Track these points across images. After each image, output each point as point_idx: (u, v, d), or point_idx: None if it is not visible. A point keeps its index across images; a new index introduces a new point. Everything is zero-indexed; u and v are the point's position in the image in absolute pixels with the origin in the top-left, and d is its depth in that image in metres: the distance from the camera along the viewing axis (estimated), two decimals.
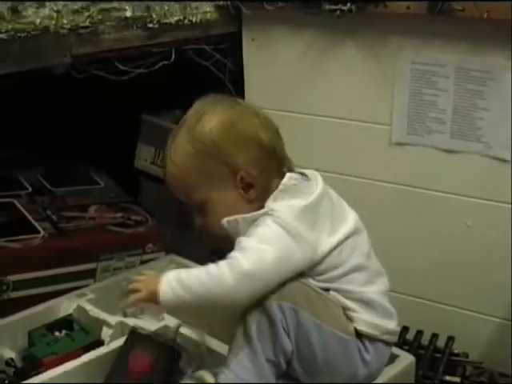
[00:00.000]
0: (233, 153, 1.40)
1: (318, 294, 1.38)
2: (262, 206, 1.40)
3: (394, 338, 1.48)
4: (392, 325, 1.45)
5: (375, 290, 1.43)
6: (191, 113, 1.46)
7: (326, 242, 1.39)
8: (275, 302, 1.33)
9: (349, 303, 1.40)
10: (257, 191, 1.42)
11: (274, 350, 1.34)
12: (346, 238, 1.42)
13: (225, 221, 1.41)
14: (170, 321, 1.62)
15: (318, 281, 1.39)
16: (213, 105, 1.45)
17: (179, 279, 1.36)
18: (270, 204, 1.39)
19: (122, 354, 1.51)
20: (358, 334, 1.40)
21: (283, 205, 1.38)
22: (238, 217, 1.40)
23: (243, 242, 1.36)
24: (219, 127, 1.41)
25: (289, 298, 1.34)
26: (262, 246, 1.34)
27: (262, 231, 1.36)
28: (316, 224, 1.38)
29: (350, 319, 1.40)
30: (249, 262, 1.32)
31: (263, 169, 1.42)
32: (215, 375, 1.39)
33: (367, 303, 1.41)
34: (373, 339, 1.41)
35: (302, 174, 1.48)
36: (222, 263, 1.34)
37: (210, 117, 1.42)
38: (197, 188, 1.43)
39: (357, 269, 1.42)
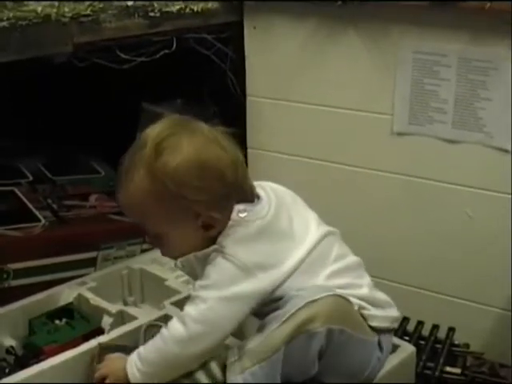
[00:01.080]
0: (195, 196, 1.31)
1: (351, 303, 1.36)
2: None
3: (397, 324, 1.48)
4: (395, 312, 1.45)
5: (366, 283, 1.43)
6: (149, 143, 1.32)
7: (292, 257, 1.35)
8: (324, 326, 1.29)
9: (362, 303, 1.38)
10: (218, 229, 1.35)
11: (295, 374, 1.32)
12: (312, 248, 1.38)
13: (178, 263, 1.39)
14: (171, 311, 1.61)
15: None
16: (173, 134, 1.32)
17: (140, 357, 1.36)
18: (220, 239, 1.34)
19: None
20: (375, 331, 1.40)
21: (233, 239, 1.33)
22: (190, 256, 1.36)
23: (193, 290, 1.36)
24: (184, 167, 1.30)
25: (337, 318, 1.31)
26: (210, 292, 1.32)
27: (212, 271, 1.33)
28: (273, 245, 1.35)
29: (363, 318, 1.39)
30: (197, 310, 1.31)
31: (226, 207, 1.34)
32: (224, 367, 1.36)
33: (371, 298, 1.41)
34: (383, 331, 1.41)
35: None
36: (173, 322, 1.34)
37: (172, 152, 1.30)
38: (152, 223, 1.37)
39: (337, 273, 1.39)
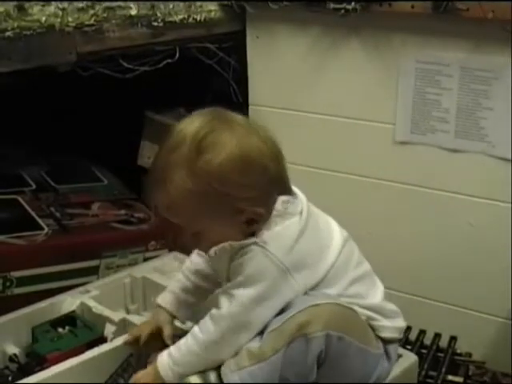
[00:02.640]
0: (240, 193, 1.27)
1: (355, 312, 1.34)
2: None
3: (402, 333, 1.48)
4: (402, 322, 1.44)
5: (379, 294, 1.41)
6: (187, 141, 1.27)
7: (326, 259, 1.34)
8: (322, 331, 1.27)
9: (372, 314, 1.37)
10: (260, 224, 1.32)
11: (293, 379, 1.30)
12: (340, 250, 1.37)
13: (212, 251, 1.34)
14: None
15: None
16: (212, 131, 1.28)
17: (174, 360, 1.34)
18: (262, 233, 1.31)
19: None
20: (383, 341, 1.39)
21: (276, 234, 1.30)
22: (226, 244, 1.32)
23: (225, 285, 1.34)
24: (227, 165, 1.26)
25: (336, 325, 1.29)
26: (244, 291, 1.30)
27: (249, 265, 1.30)
28: (310, 244, 1.33)
29: (372, 328, 1.37)
30: (230, 308, 1.30)
31: (269, 200, 1.31)
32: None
33: (381, 309, 1.39)
34: (391, 342, 1.40)
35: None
36: (205, 321, 1.33)
37: (213, 150, 1.26)
38: (192, 222, 1.32)
39: (357, 280, 1.38)
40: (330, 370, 1.31)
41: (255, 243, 1.30)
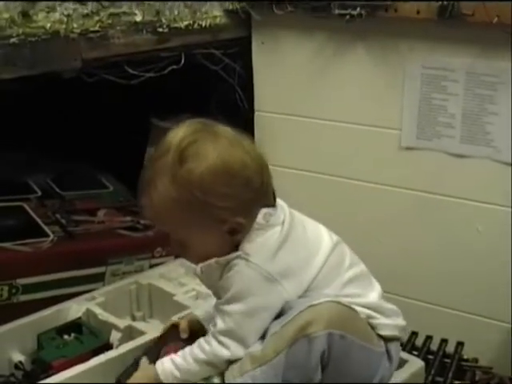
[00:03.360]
0: (222, 203, 1.29)
1: (355, 311, 1.34)
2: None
3: (405, 334, 1.47)
4: (402, 321, 1.44)
5: (376, 293, 1.42)
6: (171, 150, 1.29)
7: (313, 265, 1.35)
8: (324, 330, 1.28)
9: (371, 312, 1.37)
10: (243, 234, 1.33)
11: (298, 379, 1.30)
12: (329, 255, 1.37)
13: (198, 269, 1.37)
14: None
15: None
16: (196, 140, 1.30)
17: (177, 367, 1.36)
18: (244, 246, 1.32)
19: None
20: (384, 340, 1.39)
21: (257, 246, 1.32)
22: (212, 261, 1.34)
23: (217, 303, 1.36)
24: (209, 174, 1.28)
25: (337, 323, 1.29)
26: (234, 306, 1.32)
27: (236, 280, 1.32)
28: (294, 253, 1.34)
29: (371, 327, 1.37)
30: (224, 324, 1.33)
31: (252, 211, 1.32)
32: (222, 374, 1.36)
33: (379, 307, 1.39)
34: (392, 340, 1.40)
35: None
36: (208, 338, 1.35)
37: (196, 159, 1.28)
38: (177, 230, 1.35)
39: (351, 280, 1.38)
40: (333, 371, 1.31)
41: (238, 256, 1.32)
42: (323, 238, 1.40)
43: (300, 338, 1.28)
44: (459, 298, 1.97)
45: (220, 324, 1.33)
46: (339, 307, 1.31)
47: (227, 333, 1.33)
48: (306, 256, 1.35)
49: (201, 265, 1.36)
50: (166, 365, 1.37)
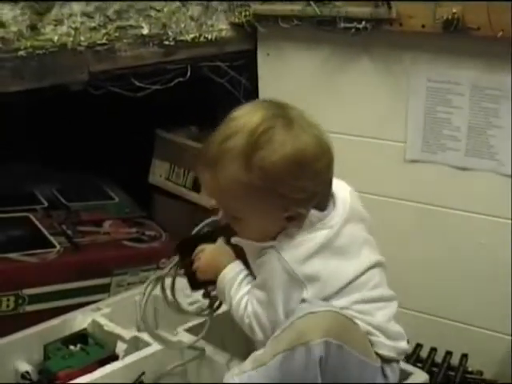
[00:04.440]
0: (290, 194, 1.29)
1: (356, 324, 1.33)
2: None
3: (403, 357, 1.45)
4: (404, 344, 1.42)
5: (389, 314, 1.40)
6: (246, 133, 1.27)
7: (340, 279, 1.34)
8: (321, 339, 1.27)
9: (371, 329, 1.36)
10: (300, 223, 1.32)
11: None
12: (359, 275, 1.36)
13: (234, 240, 1.39)
14: (186, 337, 1.61)
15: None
16: (271, 127, 1.28)
17: (231, 285, 1.40)
18: (282, 238, 1.32)
19: None
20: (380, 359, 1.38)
21: (295, 243, 1.31)
22: (249, 243, 1.37)
23: (254, 287, 1.37)
24: (282, 164, 1.27)
25: (335, 333, 1.28)
26: (257, 292, 1.35)
27: (264, 270, 1.33)
28: (327, 262, 1.32)
29: (370, 343, 1.36)
30: (250, 304, 1.36)
31: (312, 204, 1.32)
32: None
33: (384, 328, 1.38)
34: (390, 361, 1.39)
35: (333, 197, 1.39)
36: (245, 304, 1.37)
37: (270, 147, 1.27)
38: (236, 208, 1.34)
39: (368, 301, 1.37)
40: (330, 380, 1.30)
41: (273, 247, 1.32)
42: (363, 255, 1.38)
43: (297, 346, 1.27)
44: (463, 310, 1.97)
45: (249, 305, 1.36)
46: (338, 317, 1.31)
47: (249, 311, 1.36)
48: (337, 269, 1.34)
49: (234, 239, 1.39)
50: (230, 275, 1.41)
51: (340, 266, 1.34)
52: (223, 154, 1.29)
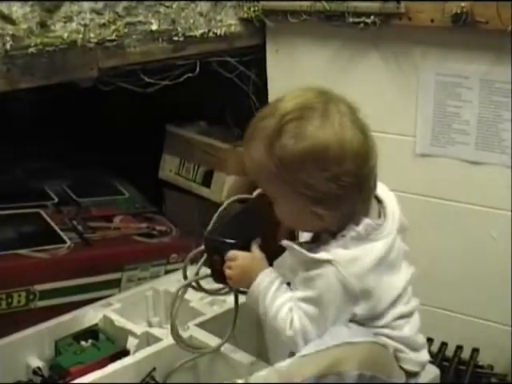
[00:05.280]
0: (302, 189, 1.24)
1: (387, 349, 1.32)
2: (341, 226, 1.28)
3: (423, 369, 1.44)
4: (426, 354, 1.42)
5: (416, 327, 1.39)
6: (276, 118, 1.25)
7: (389, 295, 1.32)
8: (357, 371, 1.25)
9: (399, 346, 1.34)
10: (330, 223, 1.28)
11: None
12: (403, 290, 1.34)
13: (286, 243, 1.33)
14: (197, 332, 1.62)
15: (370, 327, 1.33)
16: (301, 117, 1.24)
17: (265, 294, 1.34)
18: (337, 251, 1.27)
19: None
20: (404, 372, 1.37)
21: (352, 257, 1.26)
22: (297, 248, 1.30)
23: (302, 301, 1.30)
24: (299, 158, 1.23)
25: (370, 365, 1.27)
26: (310, 308, 1.29)
27: (320, 283, 1.27)
28: (380, 279, 1.29)
29: (396, 358, 1.34)
30: (296, 318, 1.30)
31: (338, 207, 1.26)
32: None
33: (411, 342, 1.37)
34: (412, 375, 1.38)
35: (380, 205, 1.35)
36: (285, 312, 1.31)
37: (293, 138, 1.23)
38: (266, 190, 1.32)
39: (402, 316, 1.35)
40: None
41: (329, 261, 1.26)
42: (403, 268, 1.36)
43: (331, 374, 1.25)
44: (474, 304, 1.97)
45: (296, 321, 1.30)
46: (374, 348, 1.29)
47: (301, 329, 1.29)
48: (387, 284, 1.31)
49: (286, 244, 1.32)
50: (264, 284, 1.34)
51: (390, 281, 1.31)
52: (255, 133, 1.28)
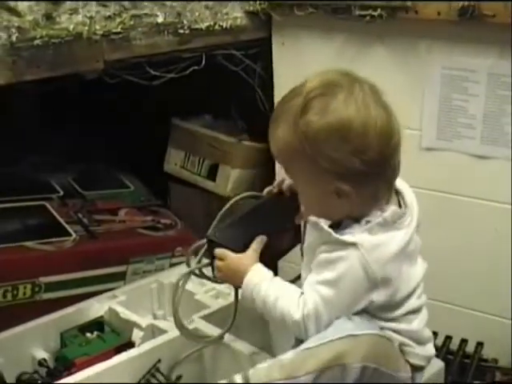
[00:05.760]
0: (327, 165, 1.24)
1: (391, 341, 1.32)
2: (365, 210, 1.29)
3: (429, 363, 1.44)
4: (432, 348, 1.42)
5: (424, 321, 1.39)
6: (301, 95, 1.25)
7: (407, 286, 1.32)
8: (360, 363, 1.25)
9: (406, 340, 1.34)
10: (354, 204, 1.27)
11: None
12: (419, 284, 1.35)
13: (302, 221, 1.36)
14: (201, 324, 1.62)
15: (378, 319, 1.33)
16: (325, 94, 1.24)
17: (259, 291, 1.33)
18: (363, 236, 1.26)
19: None
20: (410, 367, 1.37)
21: (378, 242, 1.26)
22: (322, 224, 1.29)
23: (315, 283, 1.30)
24: (324, 133, 1.22)
25: (373, 357, 1.27)
26: (328, 290, 1.27)
27: (342, 266, 1.26)
28: (400, 268, 1.29)
29: (402, 352, 1.34)
30: (315, 305, 1.28)
31: (362, 183, 1.26)
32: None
33: (418, 336, 1.37)
34: (420, 368, 1.38)
35: (399, 195, 1.36)
36: (293, 297, 1.30)
37: (317, 114, 1.23)
38: (291, 173, 1.32)
39: (414, 311, 1.36)
40: None
41: (354, 245, 1.25)
42: (419, 262, 1.37)
43: (334, 366, 1.25)
44: (479, 298, 1.97)
45: (310, 302, 1.28)
46: (378, 340, 1.29)
47: (314, 313, 1.28)
48: (406, 275, 1.32)
49: (312, 220, 1.31)
50: (255, 280, 1.34)
51: (408, 272, 1.32)
52: (281, 114, 1.29)
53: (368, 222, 1.28)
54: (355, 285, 1.26)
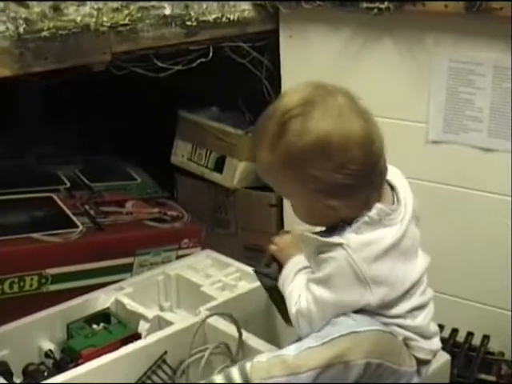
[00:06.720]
0: (312, 185, 1.25)
1: (394, 336, 1.32)
2: (357, 214, 1.28)
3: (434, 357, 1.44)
4: (438, 342, 1.42)
5: (429, 316, 1.39)
6: (277, 117, 1.26)
7: (404, 284, 1.32)
8: (363, 360, 1.26)
9: (411, 335, 1.34)
10: (345, 214, 1.28)
11: None
12: (418, 280, 1.35)
13: (298, 236, 1.37)
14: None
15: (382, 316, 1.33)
16: (301, 114, 1.25)
17: (289, 277, 1.38)
18: (350, 235, 1.27)
19: None
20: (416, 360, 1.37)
21: (364, 241, 1.27)
22: (311, 236, 1.31)
23: (309, 281, 1.33)
24: (304, 153, 1.23)
25: (376, 353, 1.27)
26: (318, 289, 1.30)
27: (329, 266, 1.28)
28: (393, 265, 1.29)
29: (407, 346, 1.35)
30: (304, 301, 1.31)
31: (350, 196, 1.27)
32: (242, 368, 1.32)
33: (423, 330, 1.37)
34: (423, 363, 1.38)
35: (394, 191, 1.36)
36: (296, 294, 1.34)
37: (295, 135, 1.24)
38: (279, 191, 1.35)
39: (419, 307, 1.36)
40: None
41: (341, 245, 1.27)
42: (419, 257, 1.37)
43: (337, 364, 1.26)
44: (485, 291, 1.97)
45: (303, 300, 1.32)
46: (381, 335, 1.29)
47: (306, 310, 1.31)
48: (402, 272, 1.31)
49: (305, 233, 1.34)
50: (289, 266, 1.39)
51: (405, 268, 1.32)
52: (260, 134, 1.29)
53: (356, 222, 1.28)
54: (344, 283, 1.27)
